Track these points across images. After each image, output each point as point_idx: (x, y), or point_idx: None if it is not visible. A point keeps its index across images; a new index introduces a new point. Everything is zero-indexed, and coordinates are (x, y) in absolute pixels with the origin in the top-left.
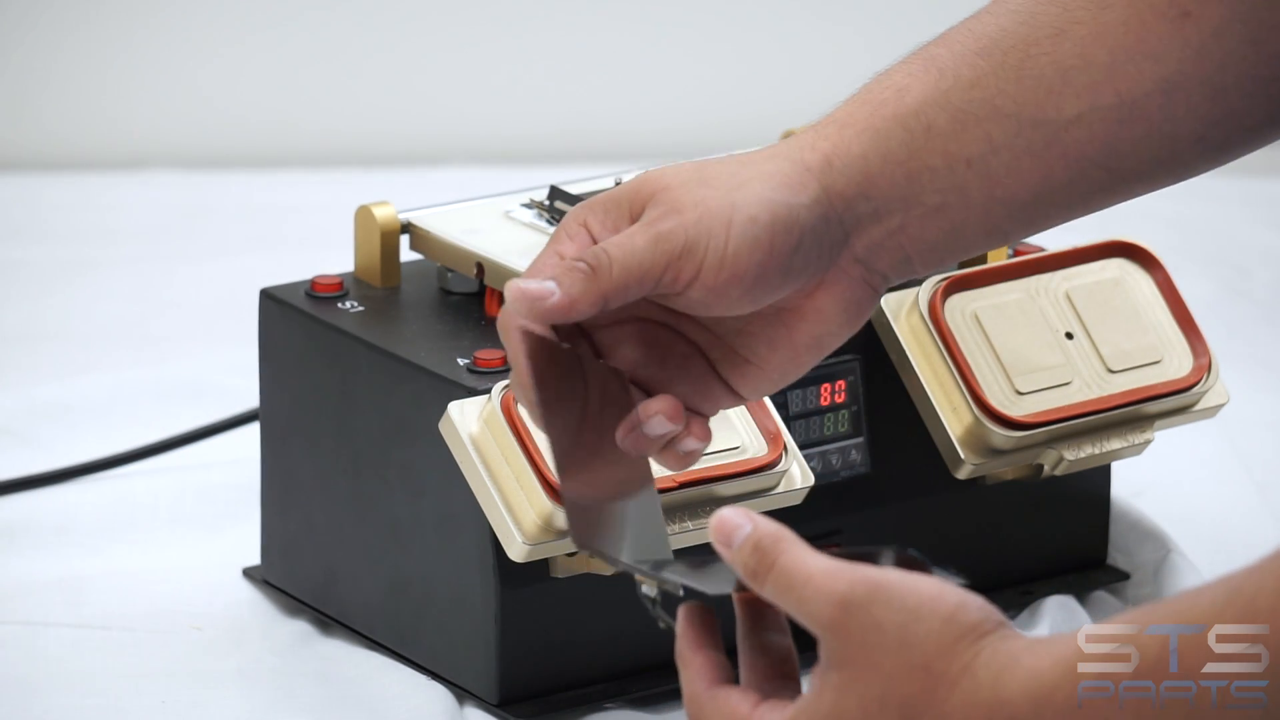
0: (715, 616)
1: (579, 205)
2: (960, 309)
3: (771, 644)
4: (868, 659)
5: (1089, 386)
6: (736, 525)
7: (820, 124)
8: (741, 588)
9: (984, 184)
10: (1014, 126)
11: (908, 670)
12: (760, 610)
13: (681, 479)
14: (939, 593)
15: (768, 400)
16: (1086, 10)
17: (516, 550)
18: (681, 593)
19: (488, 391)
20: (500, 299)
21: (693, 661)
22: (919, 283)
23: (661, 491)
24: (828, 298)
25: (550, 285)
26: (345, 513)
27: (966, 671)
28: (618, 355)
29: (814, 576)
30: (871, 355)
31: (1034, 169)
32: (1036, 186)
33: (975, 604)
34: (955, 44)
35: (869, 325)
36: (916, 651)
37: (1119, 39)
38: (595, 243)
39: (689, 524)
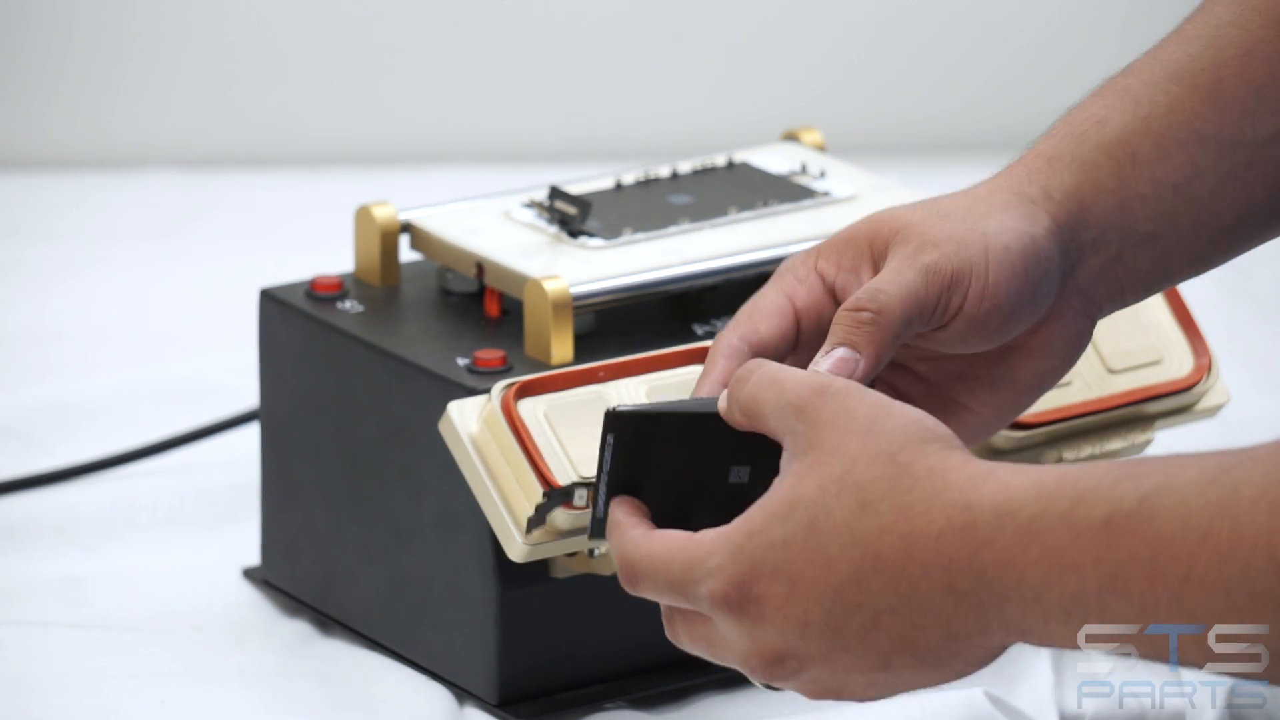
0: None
1: (805, 251)
2: None
3: None
4: (833, 441)
5: (1089, 386)
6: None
7: (1026, 158)
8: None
9: (1190, 209)
10: (1215, 149)
11: (872, 455)
12: None
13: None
14: (910, 405)
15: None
16: (1269, 29)
17: (516, 550)
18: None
19: (487, 391)
20: (500, 299)
21: (626, 523)
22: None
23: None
24: (1053, 331)
25: (847, 354)
26: (345, 513)
27: (934, 472)
28: None
29: (796, 372)
30: None
31: (1236, 191)
32: (1239, 208)
33: (944, 425)
34: (1144, 73)
35: None
36: (883, 439)
37: None
38: (827, 286)
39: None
